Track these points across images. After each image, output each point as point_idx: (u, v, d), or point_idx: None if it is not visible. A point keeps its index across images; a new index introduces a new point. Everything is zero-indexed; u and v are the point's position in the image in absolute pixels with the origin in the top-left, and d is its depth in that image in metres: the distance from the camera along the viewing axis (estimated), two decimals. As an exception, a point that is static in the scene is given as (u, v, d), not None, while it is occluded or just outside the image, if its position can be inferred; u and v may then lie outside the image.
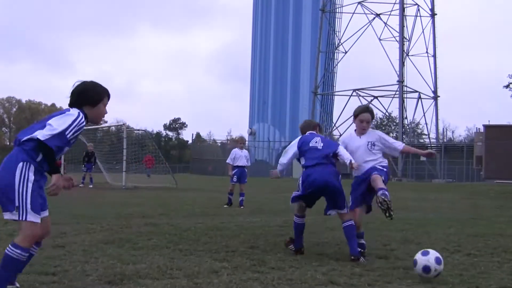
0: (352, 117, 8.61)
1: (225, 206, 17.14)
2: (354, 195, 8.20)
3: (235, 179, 17.66)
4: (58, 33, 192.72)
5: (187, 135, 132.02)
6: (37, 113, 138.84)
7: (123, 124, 31.79)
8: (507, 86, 28.90)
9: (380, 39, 65.04)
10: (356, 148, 8.28)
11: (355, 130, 8.52)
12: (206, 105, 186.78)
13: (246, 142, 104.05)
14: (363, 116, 8.35)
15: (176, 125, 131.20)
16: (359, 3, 64.53)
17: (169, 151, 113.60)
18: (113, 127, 41.89)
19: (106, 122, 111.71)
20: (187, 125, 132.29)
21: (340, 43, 67.68)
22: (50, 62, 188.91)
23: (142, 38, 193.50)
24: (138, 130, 52.67)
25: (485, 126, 52.77)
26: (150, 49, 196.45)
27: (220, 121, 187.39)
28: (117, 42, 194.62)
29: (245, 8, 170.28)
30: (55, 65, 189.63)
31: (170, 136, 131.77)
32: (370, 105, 60.15)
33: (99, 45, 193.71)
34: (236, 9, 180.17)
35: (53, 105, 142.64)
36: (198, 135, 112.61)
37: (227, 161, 18.39)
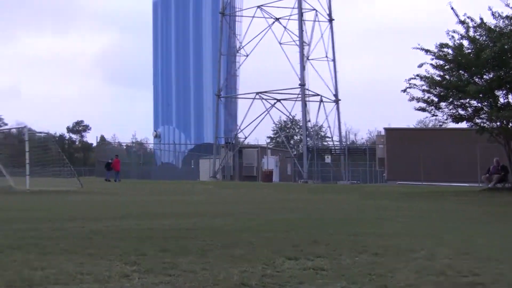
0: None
1: None
2: None
3: None
4: None
5: (91, 137, 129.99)
6: None
7: (24, 126, 30.99)
8: (404, 91, 29.76)
9: (280, 43, 65.80)
10: None
11: None
12: (109, 108, 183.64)
13: (151, 145, 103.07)
14: None
15: (79, 127, 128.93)
16: (258, 7, 65.02)
17: (73, 154, 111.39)
18: (13, 130, 40.75)
19: (6, 124, 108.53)
20: (90, 127, 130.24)
21: (241, 46, 68.02)
22: None
23: (24, 41, 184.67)
24: (40, 132, 51.44)
25: (386, 129, 54.44)
26: (36, 52, 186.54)
27: (125, 124, 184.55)
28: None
29: (143, 12, 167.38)
30: None
31: (74, 139, 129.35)
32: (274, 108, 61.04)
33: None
34: (134, 12, 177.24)
35: None
36: (102, 137, 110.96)
37: None
